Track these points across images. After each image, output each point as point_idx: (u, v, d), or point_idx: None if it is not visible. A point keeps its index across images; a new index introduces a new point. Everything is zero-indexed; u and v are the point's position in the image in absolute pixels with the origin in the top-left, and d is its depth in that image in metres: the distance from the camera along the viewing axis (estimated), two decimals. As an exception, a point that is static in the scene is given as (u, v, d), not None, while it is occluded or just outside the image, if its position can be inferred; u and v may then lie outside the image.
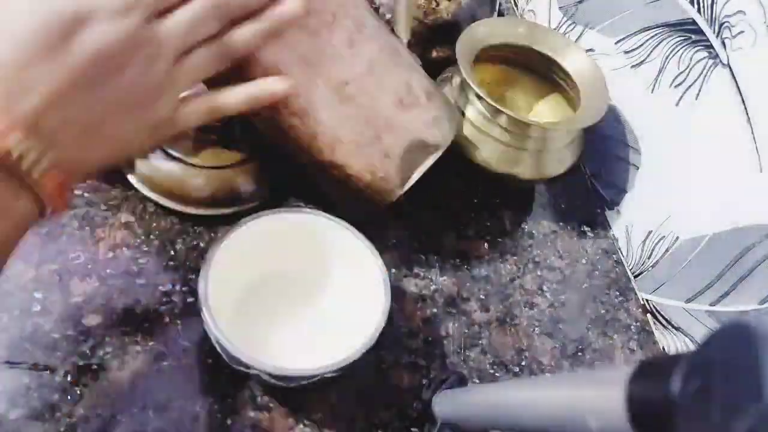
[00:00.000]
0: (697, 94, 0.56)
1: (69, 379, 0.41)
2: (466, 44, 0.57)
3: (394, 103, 0.46)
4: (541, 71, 0.64)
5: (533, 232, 0.63)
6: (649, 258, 0.62)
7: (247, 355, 0.38)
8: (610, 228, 0.67)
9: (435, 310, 0.53)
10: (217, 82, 0.37)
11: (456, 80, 0.59)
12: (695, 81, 0.56)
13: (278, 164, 0.52)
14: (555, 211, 0.66)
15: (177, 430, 0.41)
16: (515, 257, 0.60)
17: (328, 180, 0.49)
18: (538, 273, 0.60)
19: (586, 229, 0.65)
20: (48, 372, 0.41)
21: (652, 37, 0.60)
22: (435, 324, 0.53)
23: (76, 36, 0.29)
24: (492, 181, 0.59)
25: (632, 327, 0.59)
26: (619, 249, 0.65)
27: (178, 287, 0.47)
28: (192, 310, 0.46)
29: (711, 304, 0.55)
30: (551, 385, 0.31)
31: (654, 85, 0.61)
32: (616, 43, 0.65)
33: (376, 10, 0.63)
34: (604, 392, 0.24)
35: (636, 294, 0.62)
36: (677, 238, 0.59)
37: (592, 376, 0.29)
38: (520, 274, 0.59)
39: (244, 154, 0.51)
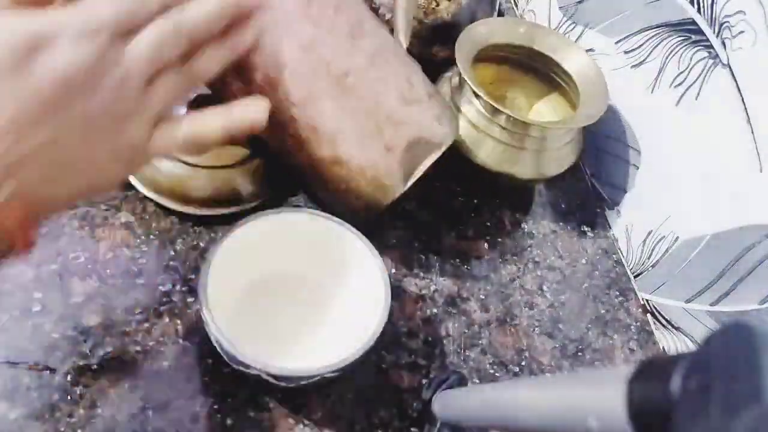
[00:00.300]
0: (697, 94, 0.56)
1: (69, 379, 0.41)
2: (466, 44, 0.57)
3: (396, 98, 0.46)
4: (541, 71, 0.64)
5: (533, 232, 0.63)
6: (649, 258, 0.62)
7: (247, 355, 0.38)
8: (610, 228, 0.67)
9: (435, 310, 0.53)
10: (216, 80, 0.37)
11: (455, 80, 0.59)
12: (695, 81, 0.56)
13: (278, 164, 0.52)
14: (555, 211, 0.66)
15: (177, 430, 0.41)
16: (515, 257, 0.60)
17: (325, 188, 0.48)
18: (538, 273, 0.60)
19: (586, 228, 0.65)
20: (48, 372, 0.41)
21: (652, 37, 0.60)
22: (435, 324, 0.53)
23: (38, 57, 0.27)
24: (492, 181, 0.59)
25: (632, 327, 0.59)
26: (619, 249, 0.65)
27: (178, 287, 0.47)
28: (192, 310, 0.46)
29: (711, 304, 0.55)
30: (551, 385, 0.31)
31: (654, 85, 0.61)
32: (616, 43, 0.65)
33: (376, 10, 0.63)
34: (604, 392, 0.24)
35: (636, 294, 0.62)
36: (677, 238, 0.59)
37: (592, 376, 0.29)
38: (520, 274, 0.59)
39: (245, 154, 0.51)
